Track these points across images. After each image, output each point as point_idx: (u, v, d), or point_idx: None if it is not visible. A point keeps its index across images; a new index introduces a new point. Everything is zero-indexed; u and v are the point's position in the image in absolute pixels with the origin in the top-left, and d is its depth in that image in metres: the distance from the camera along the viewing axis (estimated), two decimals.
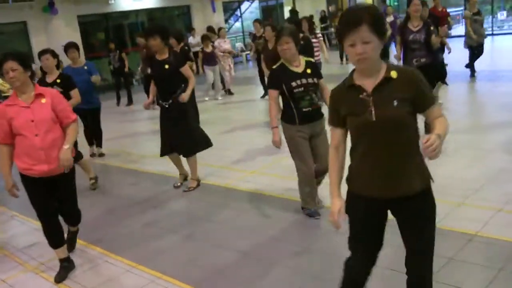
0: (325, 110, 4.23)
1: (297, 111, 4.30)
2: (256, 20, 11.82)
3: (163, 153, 5.92)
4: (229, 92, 12.98)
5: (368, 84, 2.26)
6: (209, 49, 11.96)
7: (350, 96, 2.31)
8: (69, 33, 15.70)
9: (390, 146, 2.26)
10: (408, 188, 2.29)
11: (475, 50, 10.45)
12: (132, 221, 5.23)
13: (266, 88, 8.67)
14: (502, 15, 21.54)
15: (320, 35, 9.57)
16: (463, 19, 10.41)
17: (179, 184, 6.09)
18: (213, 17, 20.41)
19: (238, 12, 23.88)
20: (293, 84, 4.23)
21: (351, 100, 2.31)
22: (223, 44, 12.55)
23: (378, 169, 2.30)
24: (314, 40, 8.98)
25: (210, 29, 14.37)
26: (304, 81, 4.26)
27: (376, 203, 2.38)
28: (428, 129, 2.40)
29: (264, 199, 5.34)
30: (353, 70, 2.34)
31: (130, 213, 5.46)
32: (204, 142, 5.91)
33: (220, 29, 13.40)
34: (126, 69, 13.16)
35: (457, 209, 4.40)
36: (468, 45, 10.43)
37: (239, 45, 21.84)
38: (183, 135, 5.66)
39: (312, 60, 4.56)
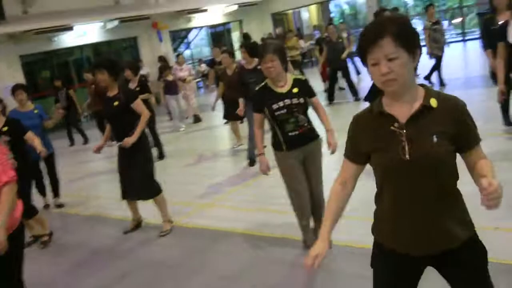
0: (319, 129, 4.04)
1: (283, 136, 3.91)
2: (215, 45, 11.62)
3: (123, 196, 5.43)
4: (196, 119, 12.67)
5: (401, 113, 1.84)
6: (170, 77, 11.65)
7: (378, 127, 1.88)
8: (12, 74, 15.04)
9: (426, 191, 1.84)
10: (450, 240, 1.89)
11: (438, 60, 10.49)
12: (97, 278, 4.63)
13: (226, 114, 8.32)
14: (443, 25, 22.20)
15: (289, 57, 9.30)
16: (423, 30, 10.43)
17: (129, 230, 5.56)
18: (160, 47, 20.06)
19: (187, 40, 23.67)
20: (274, 106, 3.84)
21: (379, 132, 1.88)
22: (179, 72, 12.30)
23: (411, 219, 1.88)
24: None
25: (161, 59, 14.01)
26: (287, 102, 3.84)
27: (410, 260, 1.96)
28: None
29: (241, 237, 4.94)
30: (382, 95, 1.92)
31: (94, 268, 4.88)
32: (155, 189, 5.34)
33: (178, 55, 13.21)
34: (79, 109, 12.47)
35: None
36: (432, 55, 10.44)
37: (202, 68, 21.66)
38: (138, 178, 5.15)
39: (302, 77, 4.14)
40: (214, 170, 7.69)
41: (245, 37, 14.67)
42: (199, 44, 23.68)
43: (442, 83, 10.57)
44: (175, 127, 12.10)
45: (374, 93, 6.10)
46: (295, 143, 3.91)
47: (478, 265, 1.96)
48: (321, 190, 4.10)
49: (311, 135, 3.97)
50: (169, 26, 20.93)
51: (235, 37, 23.98)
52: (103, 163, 9.83)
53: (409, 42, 1.77)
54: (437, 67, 10.58)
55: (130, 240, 5.41)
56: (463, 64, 14.19)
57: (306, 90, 3.98)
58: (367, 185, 2.43)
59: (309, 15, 25.77)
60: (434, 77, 10.69)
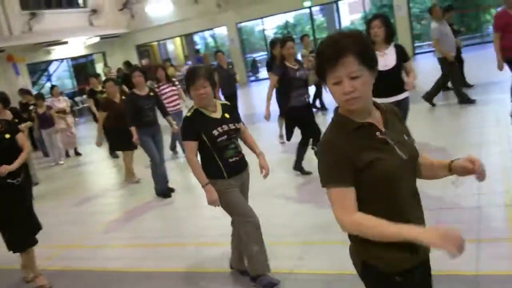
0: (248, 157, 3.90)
1: (222, 162, 3.67)
2: (93, 75, 11.30)
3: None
4: (75, 153, 12.06)
5: (375, 122, 1.85)
6: (42, 109, 10.61)
7: (363, 140, 1.80)
8: None
9: (414, 188, 1.91)
10: None
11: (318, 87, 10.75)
12: None
13: (116, 145, 8.04)
14: None
15: (177, 83, 9.24)
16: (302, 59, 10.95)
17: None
18: (18, 80, 18.99)
19: (48, 72, 22.68)
20: (215, 132, 3.60)
21: (367, 144, 1.80)
22: (57, 103, 11.57)
23: (416, 219, 1.84)
24: (173, 88, 8.77)
25: (23, 91, 12.80)
26: (225, 127, 3.65)
27: (425, 268, 1.93)
28: None
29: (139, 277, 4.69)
30: (337, 110, 1.89)
31: None
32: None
33: (52, 87, 12.32)
34: None
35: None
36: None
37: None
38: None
39: (228, 103, 3.97)
40: (104, 207, 7.29)
41: (128, 64, 14.50)
42: (61, 76, 22.79)
43: (323, 107, 11.06)
44: (54, 161, 11.33)
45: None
46: (236, 169, 3.74)
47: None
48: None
49: (245, 162, 3.86)
50: (26, 59, 19.94)
51: (99, 68, 23.49)
52: None
53: (370, 59, 1.76)
54: (318, 93, 10.93)
55: None
56: None
57: (236, 116, 3.85)
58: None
59: (175, 46, 26.17)
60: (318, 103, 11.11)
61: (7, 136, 4.54)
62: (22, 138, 4.69)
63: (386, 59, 5.15)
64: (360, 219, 1.75)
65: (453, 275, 3.40)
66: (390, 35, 5.24)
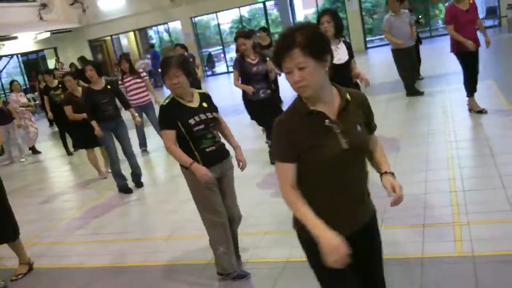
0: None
1: (199, 152, 3.63)
2: (47, 72, 10.73)
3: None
4: (34, 151, 11.57)
5: (328, 110, 2.02)
6: None
7: (311, 125, 2.00)
8: None
9: (357, 174, 2.11)
10: (368, 214, 2.20)
11: None
12: None
13: (80, 141, 7.77)
14: None
15: (144, 74, 9.03)
16: None
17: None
18: None
19: None
20: (191, 121, 3.57)
21: (313, 129, 2.00)
22: (21, 98, 11.14)
23: (348, 202, 2.08)
24: (138, 80, 8.61)
25: None
26: (202, 116, 3.62)
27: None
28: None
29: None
30: (298, 98, 2.08)
31: None
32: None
33: (12, 82, 11.75)
34: None
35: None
36: None
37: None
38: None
39: (206, 92, 3.91)
40: (70, 203, 7.20)
41: (83, 60, 14.18)
42: (11, 73, 22.13)
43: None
44: (10, 159, 10.88)
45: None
46: (212, 159, 3.69)
47: (379, 239, 2.27)
48: (238, 209, 4.01)
49: (226, 151, 3.83)
50: None
51: (51, 64, 22.93)
52: None
53: (317, 50, 1.91)
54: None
55: None
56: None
57: (213, 106, 3.82)
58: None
59: (128, 41, 25.82)
60: None
61: None
62: None
63: (340, 53, 5.35)
64: (290, 195, 2.06)
65: (402, 259, 3.63)
66: (339, 30, 5.41)
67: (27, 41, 21.55)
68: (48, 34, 21.77)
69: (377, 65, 15.68)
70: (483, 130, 6.42)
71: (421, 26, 12.97)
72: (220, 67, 23.37)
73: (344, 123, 2.01)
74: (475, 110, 7.03)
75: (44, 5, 21.81)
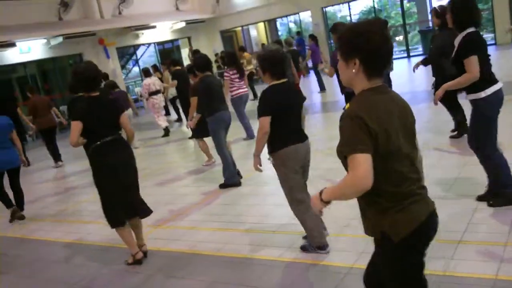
0: None
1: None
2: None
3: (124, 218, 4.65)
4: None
5: None
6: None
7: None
8: None
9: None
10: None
11: None
12: None
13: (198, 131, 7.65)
14: None
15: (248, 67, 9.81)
16: None
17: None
18: (108, 64, 19.70)
19: (136, 56, 23.42)
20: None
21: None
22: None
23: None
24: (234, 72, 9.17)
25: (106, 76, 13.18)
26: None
27: None
28: None
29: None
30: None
31: None
32: None
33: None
34: (31, 125, 11.12)
35: None
36: None
37: (138, 90, 21.17)
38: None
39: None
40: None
41: (195, 52, 14.57)
42: (147, 61, 23.41)
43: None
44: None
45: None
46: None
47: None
48: None
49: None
50: (116, 42, 20.63)
51: (185, 53, 23.88)
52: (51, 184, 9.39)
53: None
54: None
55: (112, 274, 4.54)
56: (408, 79, 14.55)
57: None
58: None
59: (257, 32, 26.04)
60: None
61: None
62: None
63: None
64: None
65: None
66: None
67: (163, 31, 22.59)
68: (183, 24, 22.65)
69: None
70: None
71: None
72: None
73: None
74: None
75: None
